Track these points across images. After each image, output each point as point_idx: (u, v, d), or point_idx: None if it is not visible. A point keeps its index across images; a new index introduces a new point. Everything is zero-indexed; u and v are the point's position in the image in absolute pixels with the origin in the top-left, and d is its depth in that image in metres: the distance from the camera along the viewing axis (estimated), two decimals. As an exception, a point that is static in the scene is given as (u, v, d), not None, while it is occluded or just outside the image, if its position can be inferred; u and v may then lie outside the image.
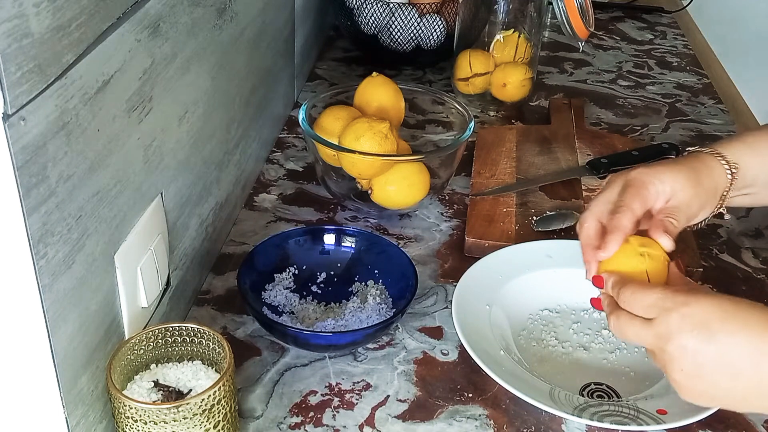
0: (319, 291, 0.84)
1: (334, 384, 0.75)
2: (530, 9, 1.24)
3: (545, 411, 0.69)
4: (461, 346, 0.77)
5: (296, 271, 0.84)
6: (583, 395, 0.74)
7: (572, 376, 0.76)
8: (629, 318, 0.61)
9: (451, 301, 0.79)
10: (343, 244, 0.86)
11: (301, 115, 0.96)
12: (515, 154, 1.09)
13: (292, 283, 0.83)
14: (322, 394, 0.73)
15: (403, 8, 1.31)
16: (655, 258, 0.66)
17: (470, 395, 0.74)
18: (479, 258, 0.86)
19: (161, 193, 0.70)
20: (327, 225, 0.95)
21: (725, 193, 0.72)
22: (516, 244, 0.89)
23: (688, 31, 1.74)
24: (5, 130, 0.45)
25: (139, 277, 0.65)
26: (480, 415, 0.72)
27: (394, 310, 0.79)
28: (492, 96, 1.28)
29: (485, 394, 0.74)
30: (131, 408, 0.57)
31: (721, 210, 0.74)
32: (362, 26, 1.35)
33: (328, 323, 0.78)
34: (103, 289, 0.60)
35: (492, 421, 0.71)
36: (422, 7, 1.32)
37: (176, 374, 0.64)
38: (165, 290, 0.72)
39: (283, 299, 0.81)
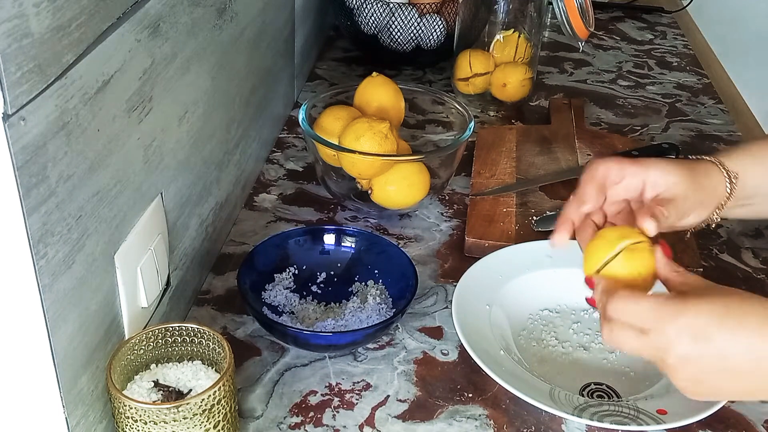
0: (319, 291, 0.84)
1: (334, 384, 0.75)
2: (530, 9, 1.24)
3: (545, 411, 0.69)
4: (461, 346, 0.77)
5: (296, 271, 0.84)
6: (583, 395, 0.74)
7: (572, 376, 0.76)
8: (622, 329, 0.60)
9: (451, 301, 0.79)
10: (343, 244, 0.86)
11: (301, 115, 0.96)
12: (515, 154, 1.09)
13: (292, 283, 0.83)
14: (322, 394, 0.73)
15: (403, 8, 1.31)
16: (638, 249, 0.65)
17: (470, 395, 0.74)
18: (479, 258, 0.86)
19: (161, 193, 0.70)
20: (327, 225, 0.95)
21: (723, 203, 0.72)
22: (516, 244, 0.89)
23: (688, 31, 1.74)
24: (5, 130, 0.45)
25: (139, 277, 0.65)
26: (480, 415, 0.72)
27: (394, 310, 0.79)
28: (492, 96, 1.28)
29: (485, 394, 0.74)
30: (131, 408, 0.57)
31: (717, 220, 0.73)
32: (362, 26, 1.35)
33: (328, 323, 0.78)
34: (103, 289, 0.60)
35: (492, 421, 0.71)
36: (422, 7, 1.32)
37: (176, 374, 0.64)
38: (165, 290, 0.72)
39: (283, 299, 0.81)
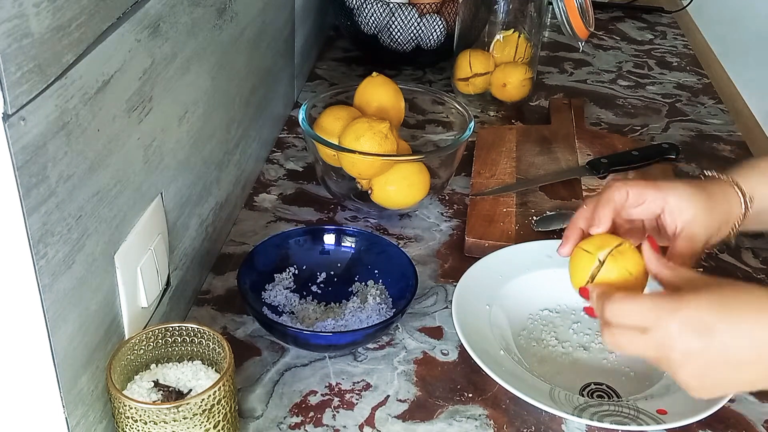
0: (319, 291, 0.84)
1: (334, 384, 0.75)
2: (530, 9, 1.24)
3: (545, 411, 0.69)
4: (461, 346, 0.77)
5: (296, 271, 0.84)
6: (583, 395, 0.74)
7: (572, 376, 0.76)
8: (623, 331, 0.60)
9: (451, 301, 0.79)
10: (343, 244, 0.86)
11: (301, 115, 0.96)
12: (515, 154, 1.09)
13: (292, 283, 0.83)
14: (322, 394, 0.73)
15: (403, 8, 1.31)
16: (621, 251, 0.65)
17: (470, 395, 0.74)
18: (479, 258, 0.86)
19: (161, 193, 0.70)
20: (327, 225, 0.95)
21: (738, 223, 0.72)
22: (516, 244, 0.89)
23: (688, 31, 1.74)
24: (5, 130, 0.45)
25: (139, 277, 0.65)
26: (480, 415, 0.72)
27: (394, 310, 0.79)
28: (492, 96, 1.28)
29: (485, 394, 0.74)
30: (131, 408, 0.57)
31: (733, 236, 0.73)
32: (362, 26, 1.35)
33: (328, 323, 0.78)
34: (103, 289, 0.60)
35: (492, 421, 0.71)
36: (422, 7, 1.32)
37: (176, 374, 0.64)
38: (165, 290, 0.72)
39: (283, 299, 0.81)
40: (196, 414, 0.58)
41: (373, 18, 1.33)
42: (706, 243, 0.71)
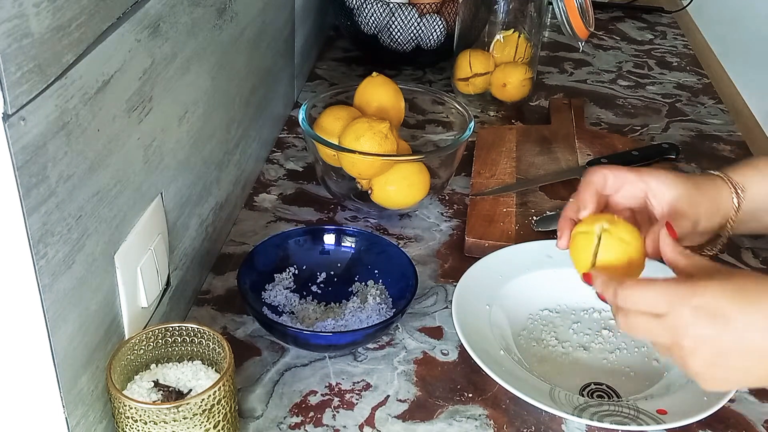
0: (319, 291, 0.84)
1: (334, 384, 0.75)
2: (530, 9, 1.24)
3: (545, 411, 0.69)
4: (461, 346, 0.77)
5: (296, 271, 0.84)
6: (583, 395, 0.74)
7: (572, 376, 0.76)
8: (636, 316, 0.60)
9: (451, 301, 0.79)
10: (343, 244, 0.86)
11: (301, 115, 0.96)
12: (515, 154, 1.09)
13: (292, 283, 0.83)
14: (322, 394, 0.73)
15: (403, 8, 1.31)
16: (614, 224, 0.65)
17: (470, 395, 0.74)
18: (479, 258, 0.86)
19: (161, 193, 0.70)
20: (327, 225, 0.95)
21: (733, 216, 0.72)
22: (516, 244, 0.89)
23: (688, 31, 1.74)
24: (5, 130, 0.45)
25: (139, 277, 0.65)
26: (480, 415, 0.72)
27: (394, 310, 0.79)
28: (492, 96, 1.28)
29: (485, 394, 0.74)
30: (131, 408, 0.57)
31: (728, 233, 0.73)
32: (362, 26, 1.35)
33: (328, 323, 0.78)
34: (103, 289, 0.60)
35: (492, 421, 0.71)
36: (422, 7, 1.32)
37: (176, 374, 0.64)
38: (165, 290, 0.72)
39: (283, 299, 0.81)
40: (196, 414, 0.58)
41: (373, 18, 1.33)
42: (695, 224, 0.71)
